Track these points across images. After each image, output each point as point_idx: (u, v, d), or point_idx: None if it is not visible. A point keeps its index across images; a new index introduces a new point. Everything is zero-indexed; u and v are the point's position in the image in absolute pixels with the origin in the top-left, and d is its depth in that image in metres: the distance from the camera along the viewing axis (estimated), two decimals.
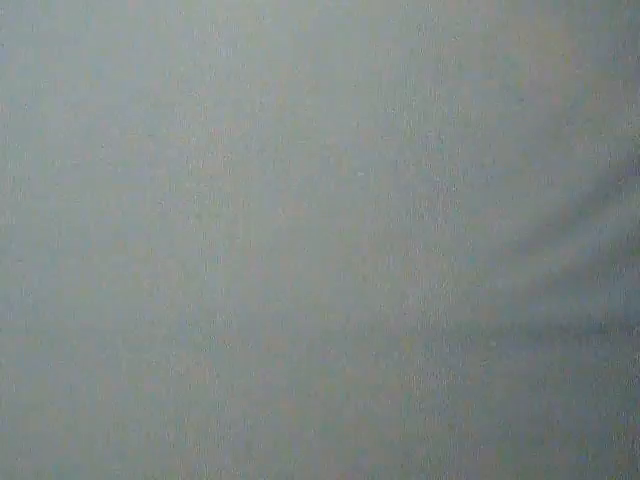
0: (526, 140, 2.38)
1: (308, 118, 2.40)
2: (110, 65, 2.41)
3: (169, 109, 2.40)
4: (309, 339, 2.36)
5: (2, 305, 2.39)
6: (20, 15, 2.41)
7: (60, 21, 2.42)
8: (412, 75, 2.40)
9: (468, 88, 2.40)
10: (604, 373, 2.34)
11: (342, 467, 2.34)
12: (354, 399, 2.35)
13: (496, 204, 2.38)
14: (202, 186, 2.39)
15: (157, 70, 2.41)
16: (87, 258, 2.39)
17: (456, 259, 2.37)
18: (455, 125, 2.39)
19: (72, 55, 2.41)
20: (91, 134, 2.40)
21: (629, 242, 2.36)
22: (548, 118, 2.39)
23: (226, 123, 2.40)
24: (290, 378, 2.35)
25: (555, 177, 2.38)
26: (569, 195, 2.37)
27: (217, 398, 2.35)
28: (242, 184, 2.39)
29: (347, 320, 2.37)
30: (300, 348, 2.36)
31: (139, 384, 2.36)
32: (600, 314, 2.35)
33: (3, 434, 2.33)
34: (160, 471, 2.34)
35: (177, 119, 2.40)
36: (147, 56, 2.41)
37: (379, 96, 2.40)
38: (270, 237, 2.38)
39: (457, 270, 2.37)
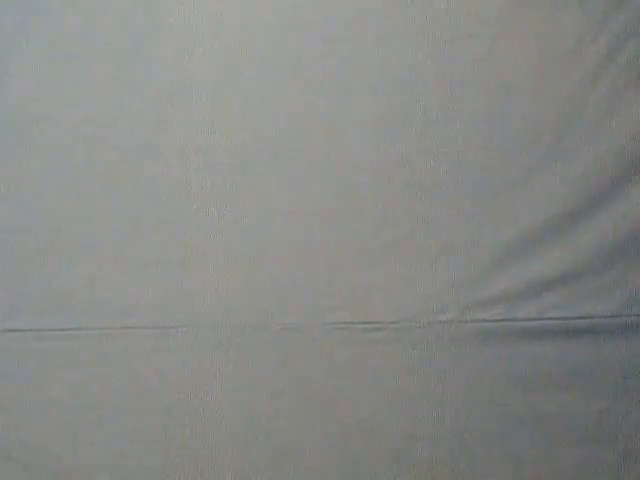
0: (526, 140, 2.38)
1: (310, 119, 2.39)
2: (113, 62, 2.41)
3: (172, 109, 2.39)
4: (308, 339, 2.35)
5: (14, 302, 2.39)
6: (20, 18, 2.41)
7: (62, 22, 2.41)
8: (413, 78, 2.39)
9: (469, 91, 2.39)
10: (604, 373, 2.34)
11: (341, 466, 2.34)
12: (353, 398, 2.35)
13: (496, 204, 2.37)
14: (205, 186, 2.39)
15: (160, 71, 2.41)
16: (86, 259, 2.38)
17: (456, 259, 2.37)
18: (455, 126, 2.39)
19: (74, 54, 2.41)
20: (93, 134, 2.40)
21: (629, 242, 2.35)
22: (548, 118, 2.38)
23: (229, 123, 2.39)
24: (289, 378, 2.35)
25: (555, 177, 2.37)
26: (569, 195, 2.36)
27: (215, 397, 2.35)
28: (244, 184, 2.39)
29: (347, 319, 2.36)
30: (299, 348, 2.35)
31: (137, 384, 2.36)
32: (600, 314, 2.35)
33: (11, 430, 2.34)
34: (157, 469, 2.34)
35: (181, 118, 2.39)
36: (151, 58, 2.41)
37: (381, 99, 2.39)
38: (270, 237, 2.38)
39: (457, 270, 2.37)
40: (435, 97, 2.39)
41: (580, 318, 2.35)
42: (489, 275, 2.36)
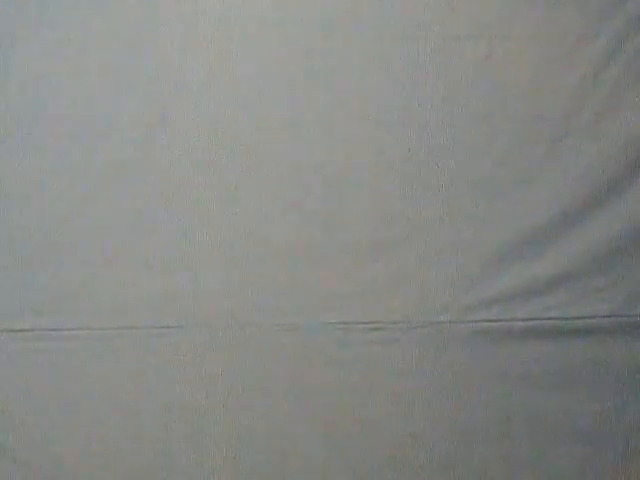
0: (526, 140, 2.38)
1: (310, 119, 2.39)
2: (113, 61, 2.40)
3: (172, 108, 2.39)
4: (308, 339, 2.35)
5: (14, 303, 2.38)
6: (20, 18, 2.41)
7: (62, 22, 2.41)
8: (413, 78, 2.39)
9: (469, 91, 2.39)
10: (604, 373, 2.34)
11: (341, 466, 2.34)
12: (352, 398, 2.35)
13: (496, 204, 2.37)
14: (204, 186, 2.39)
15: (160, 70, 2.41)
16: (86, 259, 2.38)
17: (456, 259, 2.37)
18: (455, 126, 2.39)
19: (74, 54, 2.41)
20: (93, 133, 2.40)
21: (629, 242, 2.36)
22: (548, 118, 2.38)
23: (229, 123, 2.39)
24: (288, 378, 2.35)
25: (554, 177, 2.37)
26: (569, 195, 2.37)
27: (214, 396, 2.35)
28: (244, 184, 2.39)
29: (347, 319, 2.36)
30: (299, 348, 2.35)
31: (136, 384, 2.36)
32: (600, 314, 2.35)
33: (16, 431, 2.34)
34: (157, 469, 2.34)
35: (181, 117, 2.39)
36: (152, 57, 2.41)
37: (380, 99, 2.39)
38: (269, 236, 2.38)
39: (457, 270, 2.37)
40: (435, 97, 2.39)
41: (580, 318, 2.35)
42: (489, 275, 2.36)
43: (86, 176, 2.38)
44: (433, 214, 2.38)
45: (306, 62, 2.40)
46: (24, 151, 2.39)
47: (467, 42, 2.39)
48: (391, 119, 2.39)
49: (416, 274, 2.37)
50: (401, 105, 2.39)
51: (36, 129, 2.39)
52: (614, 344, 2.34)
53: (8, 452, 2.33)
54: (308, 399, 2.35)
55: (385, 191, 2.38)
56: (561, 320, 2.35)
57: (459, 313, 2.36)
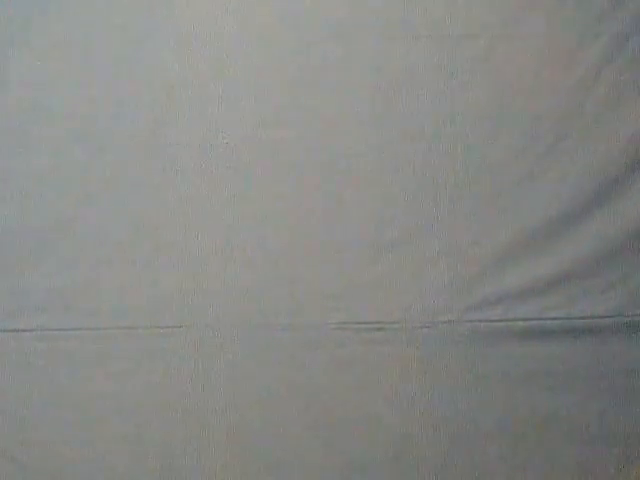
0: (526, 140, 2.38)
1: (310, 119, 2.39)
2: (114, 61, 2.40)
3: (172, 109, 2.39)
4: (308, 339, 2.35)
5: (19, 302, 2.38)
6: (21, 19, 2.41)
7: (63, 22, 2.42)
8: (413, 77, 2.39)
9: (469, 91, 2.39)
10: (604, 373, 2.34)
11: (341, 466, 2.34)
12: (352, 398, 2.35)
13: (496, 204, 2.37)
14: (205, 186, 2.39)
15: (160, 71, 2.41)
16: (86, 259, 2.38)
17: (456, 259, 2.37)
18: (455, 126, 2.39)
19: (75, 54, 2.41)
20: (93, 133, 2.40)
21: (629, 242, 2.36)
22: (548, 118, 2.38)
23: (229, 123, 2.40)
24: (288, 378, 2.35)
25: (555, 177, 2.37)
26: (569, 195, 2.37)
27: (215, 396, 2.35)
28: (244, 185, 2.39)
29: (347, 319, 2.36)
30: (299, 348, 2.35)
31: (137, 384, 2.36)
32: (600, 314, 2.35)
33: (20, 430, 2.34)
34: (157, 469, 2.34)
35: (181, 118, 2.39)
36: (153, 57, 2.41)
37: (381, 99, 2.39)
38: (270, 237, 2.38)
39: (457, 270, 2.37)
40: (435, 97, 2.39)
41: (580, 318, 2.35)
42: (489, 275, 2.36)
43: (86, 176, 2.39)
44: (433, 214, 2.38)
45: (306, 63, 2.40)
46: (24, 151, 2.39)
47: (467, 42, 2.40)
48: (391, 119, 2.39)
49: (416, 274, 2.37)
50: (401, 105, 2.39)
51: (36, 129, 2.39)
52: (614, 344, 2.34)
53: (8, 452, 2.33)
54: (308, 399, 2.35)
55: (385, 191, 2.38)
56: (561, 320, 2.35)
57: (459, 313, 2.36)
